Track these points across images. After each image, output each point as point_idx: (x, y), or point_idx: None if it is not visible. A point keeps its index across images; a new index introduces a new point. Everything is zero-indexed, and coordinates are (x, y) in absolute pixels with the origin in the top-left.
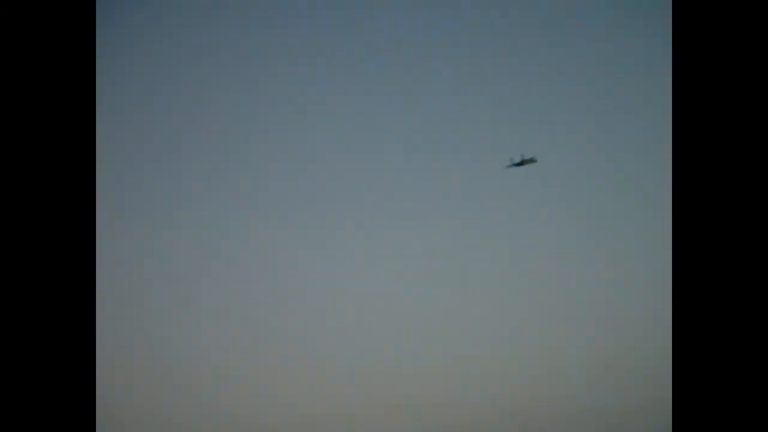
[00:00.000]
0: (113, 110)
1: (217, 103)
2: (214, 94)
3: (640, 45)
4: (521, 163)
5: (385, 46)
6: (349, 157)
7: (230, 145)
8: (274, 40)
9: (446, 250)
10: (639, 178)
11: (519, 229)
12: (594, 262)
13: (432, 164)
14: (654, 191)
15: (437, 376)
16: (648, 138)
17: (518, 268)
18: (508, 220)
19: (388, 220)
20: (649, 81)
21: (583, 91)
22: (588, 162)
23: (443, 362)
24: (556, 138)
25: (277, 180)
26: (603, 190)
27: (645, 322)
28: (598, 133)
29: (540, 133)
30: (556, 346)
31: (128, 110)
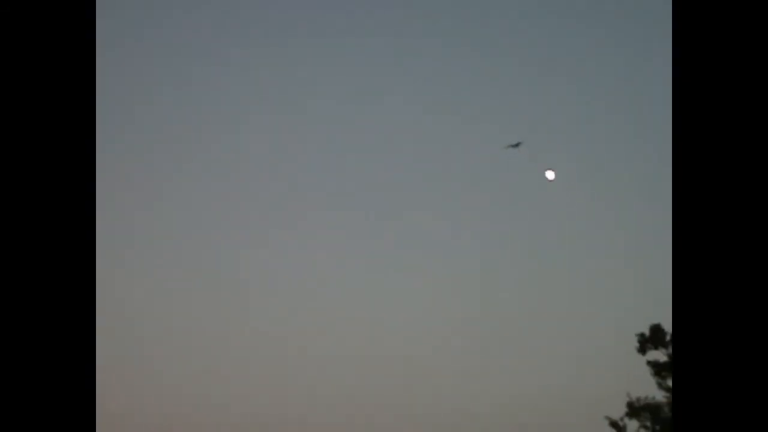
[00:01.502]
0: (113, 110)
1: (218, 102)
2: (215, 93)
3: (639, 44)
4: (516, 146)
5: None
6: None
7: (231, 145)
8: (275, 39)
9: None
10: (639, 178)
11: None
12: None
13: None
14: (654, 191)
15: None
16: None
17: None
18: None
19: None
20: (648, 80)
21: (581, 89)
22: (587, 161)
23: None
24: (555, 137)
25: (279, 181)
26: (603, 189)
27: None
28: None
29: (539, 131)
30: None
31: (128, 110)
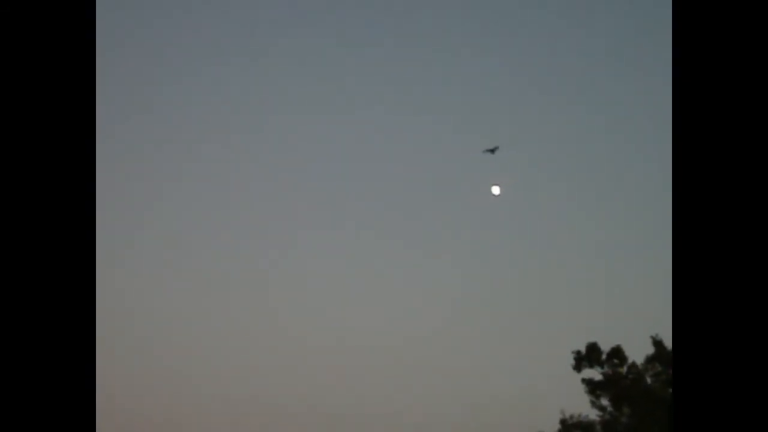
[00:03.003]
0: (113, 110)
1: (218, 102)
2: (214, 91)
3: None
4: (492, 150)
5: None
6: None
7: (230, 145)
8: (274, 39)
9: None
10: (639, 178)
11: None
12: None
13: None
14: (654, 192)
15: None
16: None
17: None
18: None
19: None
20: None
21: (582, 88)
22: (587, 161)
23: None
24: (555, 137)
25: (279, 181)
26: (602, 190)
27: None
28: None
29: (540, 131)
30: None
31: (128, 110)
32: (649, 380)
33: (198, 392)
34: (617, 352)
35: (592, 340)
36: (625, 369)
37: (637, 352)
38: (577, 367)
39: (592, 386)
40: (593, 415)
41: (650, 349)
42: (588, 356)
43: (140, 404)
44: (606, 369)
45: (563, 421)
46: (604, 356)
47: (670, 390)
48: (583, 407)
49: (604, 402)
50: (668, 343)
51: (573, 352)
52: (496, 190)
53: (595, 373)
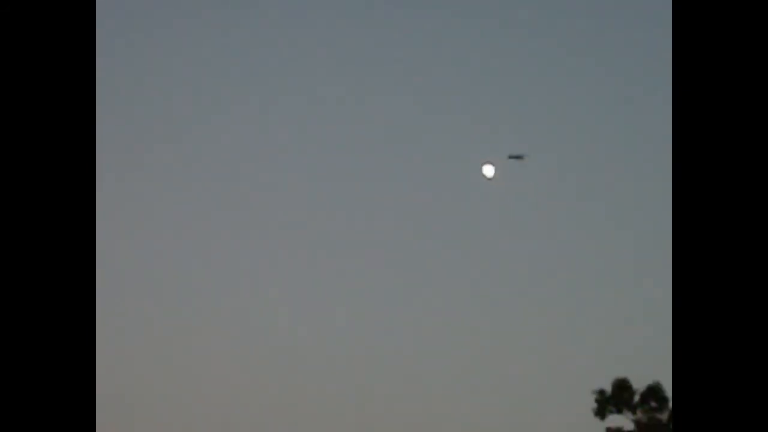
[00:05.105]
0: (113, 108)
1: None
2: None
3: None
4: (518, 158)
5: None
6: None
7: (231, 145)
8: (274, 39)
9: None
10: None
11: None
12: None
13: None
14: (654, 192)
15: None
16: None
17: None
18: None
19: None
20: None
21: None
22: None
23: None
24: (554, 137)
25: (275, 184)
26: (603, 190)
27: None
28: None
29: (538, 131)
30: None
31: (128, 108)
32: None
33: (198, 393)
34: (655, 392)
35: (620, 374)
36: (666, 415)
37: None
38: (600, 412)
39: None
40: None
41: None
42: (615, 397)
43: (140, 404)
44: (639, 415)
45: None
46: (637, 397)
47: None
48: None
49: None
50: None
51: (594, 392)
52: (489, 170)
53: (624, 421)
